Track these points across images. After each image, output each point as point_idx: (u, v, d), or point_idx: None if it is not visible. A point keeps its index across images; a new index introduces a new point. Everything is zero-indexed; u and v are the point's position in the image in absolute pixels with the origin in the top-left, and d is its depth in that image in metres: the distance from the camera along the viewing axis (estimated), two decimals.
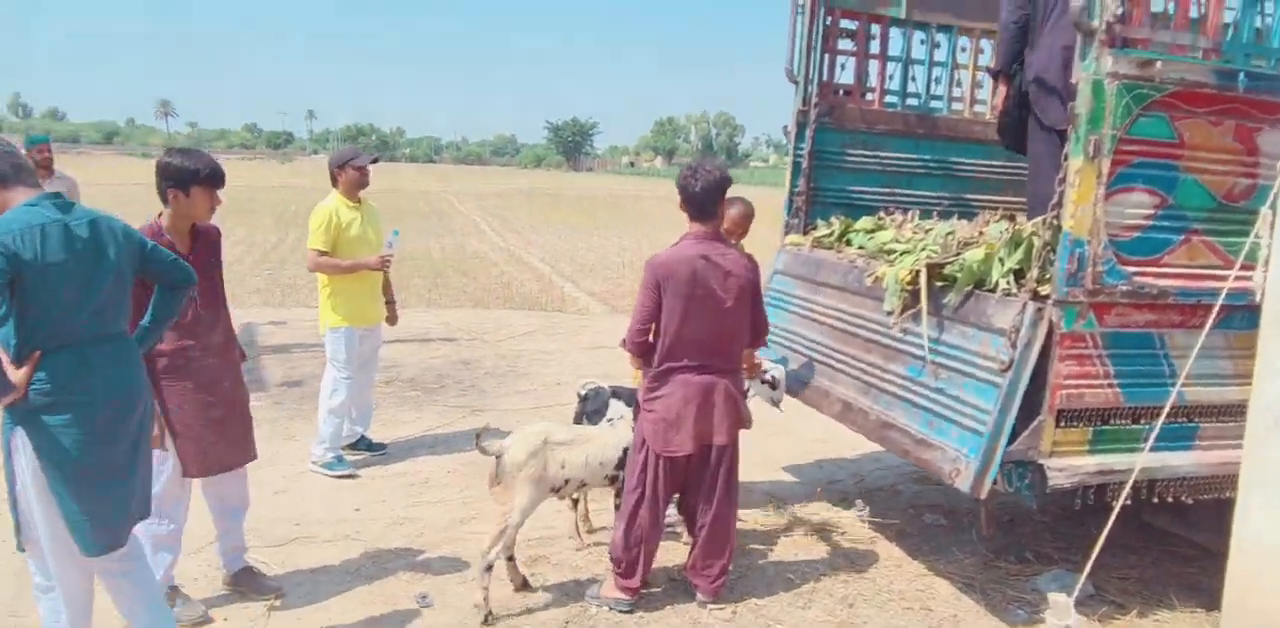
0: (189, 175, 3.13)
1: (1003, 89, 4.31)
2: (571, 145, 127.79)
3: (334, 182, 5.01)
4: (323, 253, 4.86)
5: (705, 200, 3.49)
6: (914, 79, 5.12)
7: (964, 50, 5.17)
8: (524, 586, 3.63)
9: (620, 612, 3.46)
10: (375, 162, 5.12)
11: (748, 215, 4.26)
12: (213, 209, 3.26)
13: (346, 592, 3.56)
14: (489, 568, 3.34)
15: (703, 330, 3.43)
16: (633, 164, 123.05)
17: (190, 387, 3.18)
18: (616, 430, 3.84)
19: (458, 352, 8.22)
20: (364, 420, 5.33)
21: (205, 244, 3.31)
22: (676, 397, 3.43)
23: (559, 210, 31.83)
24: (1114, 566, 4.02)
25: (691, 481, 3.60)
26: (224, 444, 3.29)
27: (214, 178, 3.19)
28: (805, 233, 4.84)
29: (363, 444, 5.26)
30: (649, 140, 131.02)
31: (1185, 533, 4.17)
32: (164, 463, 3.18)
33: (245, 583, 3.51)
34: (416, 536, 4.14)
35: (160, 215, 3.21)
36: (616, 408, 4.15)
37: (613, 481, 3.71)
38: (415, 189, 42.19)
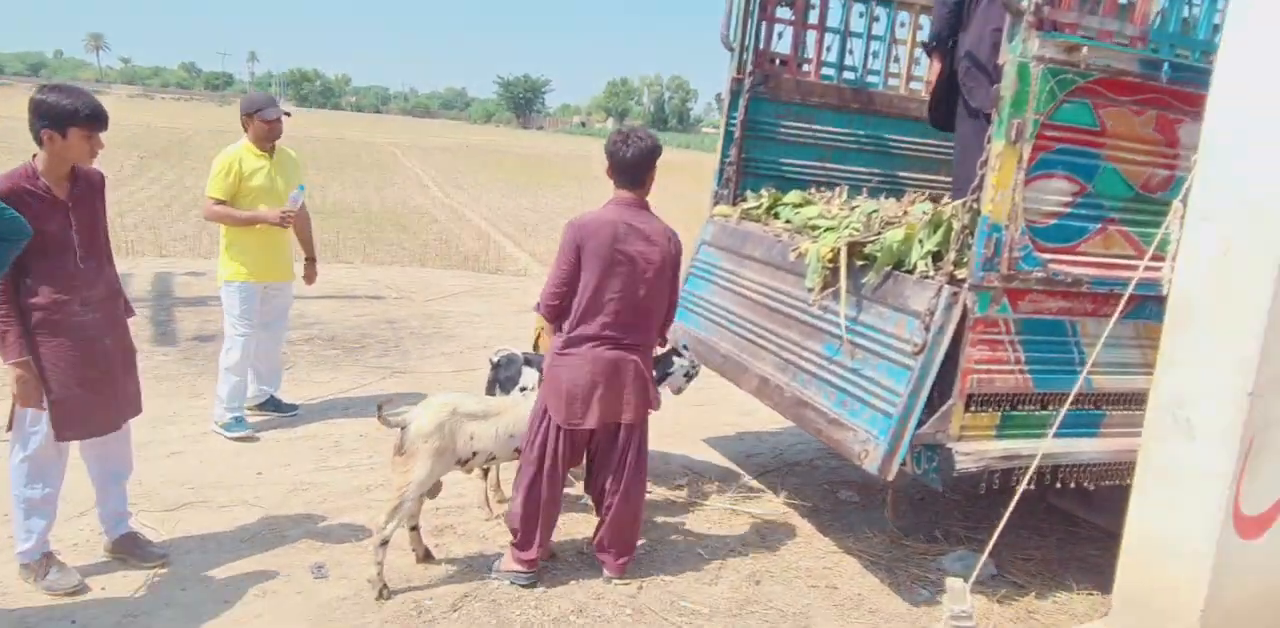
0: (66, 115, 2.88)
1: (936, 65, 4.25)
2: (523, 102, 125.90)
3: (244, 128, 4.77)
4: (220, 201, 4.63)
5: (635, 167, 3.38)
6: (851, 52, 5.03)
7: (903, 25, 5.08)
8: (426, 557, 3.55)
9: (520, 586, 3.40)
10: (288, 115, 4.88)
11: None
12: (94, 153, 3.02)
13: (237, 561, 3.42)
14: (384, 543, 3.24)
15: (619, 299, 3.32)
16: (584, 124, 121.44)
17: (66, 344, 2.98)
18: (529, 401, 3.75)
19: (384, 310, 8.02)
20: (273, 380, 5.15)
21: (86, 190, 3.07)
22: (584, 371, 3.34)
23: (506, 168, 31.36)
24: (1018, 546, 4.09)
25: (598, 459, 3.54)
26: (102, 406, 3.10)
27: (94, 119, 2.94)
28: (734, 204, 4.76)
29: (271, 405, 5.10)
30: (601, 101, 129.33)
31: (1088, 516, 4.26)
32: (39, 423, 3.01)
33: (128, 550, 3.34)
34: (319, 502, 4.01)
35: (35, 158, 2.98)
36: (530, 376, 4.05)
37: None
38: (359, 139, 41.16)
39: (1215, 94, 2.39)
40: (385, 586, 3.25)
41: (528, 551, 3.42)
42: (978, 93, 3.76)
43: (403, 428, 3.32)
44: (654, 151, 3.40)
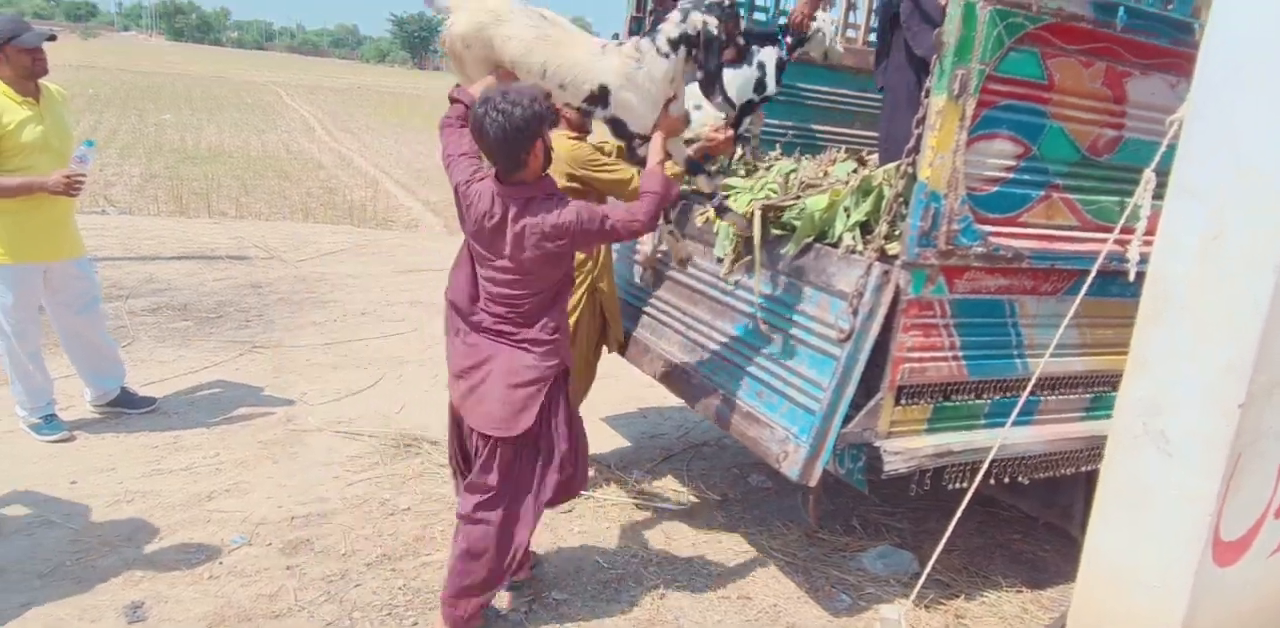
0: None
1: None
2: (418, 42, 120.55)
3: None
4: None
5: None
6: None
7: None
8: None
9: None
10: (52, 39, 3.74)
11: None
12: None
13: (27, 607, 2.76)
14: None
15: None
16: None
17: None
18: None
19: (248, 273, 7.20)
20: (114, 371, 4.25)
21: None
22: (455, 347, 2.80)
23: (400, 111, 29.79)
24: (937, 533, 3.77)
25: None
26: None
27: None
28: None
29: (123, 401, 4.25)
30: None
31: (1012, 501, 3.99)
32: None
33: None
34: (145, 517, 3.36)
35: None
36: (694, 92, 3.18)
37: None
38: (240, 78, 38.58)
39: (1210, 39, 1.97)
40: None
41: None
42: (922, 38, 3.28)
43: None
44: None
